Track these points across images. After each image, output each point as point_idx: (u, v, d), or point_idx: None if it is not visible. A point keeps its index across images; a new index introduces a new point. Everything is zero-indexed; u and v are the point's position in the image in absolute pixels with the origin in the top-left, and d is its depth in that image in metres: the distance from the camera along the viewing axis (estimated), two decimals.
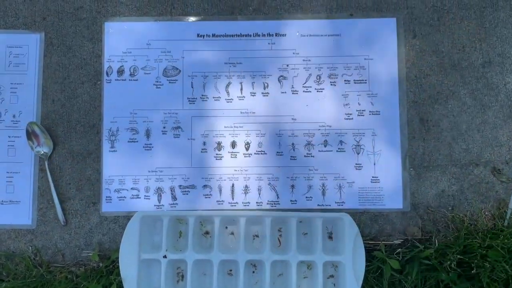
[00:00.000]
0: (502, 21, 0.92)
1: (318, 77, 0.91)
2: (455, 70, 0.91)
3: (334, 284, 0.87)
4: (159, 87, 0.92)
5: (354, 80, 0.91)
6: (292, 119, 0.91)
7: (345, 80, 0.91)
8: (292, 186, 0.90)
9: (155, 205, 0.90)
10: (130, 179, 0.90)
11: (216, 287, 0.84)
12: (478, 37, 0.92)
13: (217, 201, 0.90)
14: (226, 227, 0.89)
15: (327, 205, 0.90)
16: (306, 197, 0.90)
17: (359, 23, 0.92)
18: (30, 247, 0.89)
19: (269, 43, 0.92)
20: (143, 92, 0.91)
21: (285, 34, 0.92)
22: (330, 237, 0.89)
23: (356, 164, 0.90)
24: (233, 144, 0.91)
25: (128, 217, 0.89)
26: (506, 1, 0.92)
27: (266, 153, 0.90)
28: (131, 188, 0.90)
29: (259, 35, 0.92)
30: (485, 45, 0.92)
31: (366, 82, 0.91)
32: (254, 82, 0.91)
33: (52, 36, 0.92)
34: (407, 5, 0.92)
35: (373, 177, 0.90)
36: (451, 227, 0.89)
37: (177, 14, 0.93)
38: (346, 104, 0.91)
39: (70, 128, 0.91)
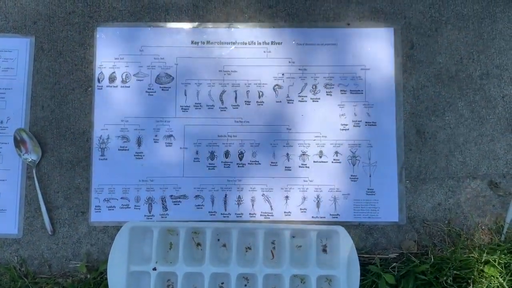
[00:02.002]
0: (500, 33, 0.91)
1: (314, 87, 0.90)
2: (452, 81, 0.90)
3: None
4: (152, 94, 0.90)
5: (350, 90, 0.90)
6: (287, 129, 0.89)
7: (341, 90, 0.90)
8: (286, 197, 0.88)
9: (145, 215, 0.88)
10: (120, 188, 0.88)
11: None
12: (476, 48, 0.91)
13: (209, 212, 0.88)
14: (218, 239, 0.87)
15: (321, 217, 0.88)
16: (300, 209, 0.88)
17: (356, 32, 0.90)
18: (16, 257, 0.87)
19: (264, 51, 0.90)
20: (135, 99, 0.89)
21: (281, 43, 0.90)
22: (325, 250, 0.87)
23: (351, 175, 0.88)
24: (227, 154, 0.89)
25: (117, 227, 0.86)
26: (504, 13, 0.91)
27: (260, 163, 0.89)
28: (121, 198, 0.87)
29: (254, 43, 0.90)
30: (483, 57, 0.90)
31: (362, 93, 0.90)
32: (248, 91, 0.90)
33: (43, 40, 0.90)
34: (405, 15, 0.91)
35: (368, 189, 0.88)
36: (447, 241, 0.87)
37: (171, 20, 0.91)
38: (342, 115, 0.89)
39: (60, 135, 0.89)
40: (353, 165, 0.89)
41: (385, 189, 0.88)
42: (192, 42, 0.91)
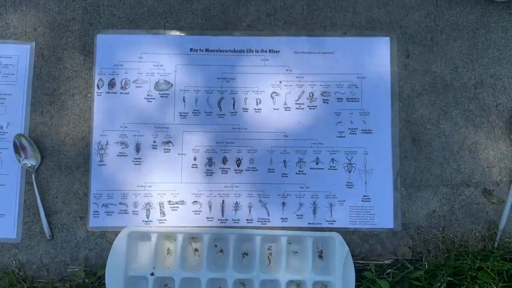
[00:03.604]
0: (494, 43, 0.92)
1: (310, 94, 0.91)
2: (447, 90, 0.92)
3: None
4: (151, 101, 0.91)
5: (346, 98, 0.91)
6: (284, 136, 0.90)
7: (337, 98, 0.91)
8: (283, 204, 0.89)
9: (143, 221, 0.88)
10: (119, 193, 0.88)
11: None
12: (470, 58, 0.92)
13: (206, 218, 0.89)
14: (215, 245, 0.88)
15: (318, 224, 0.89)
16: (297, 215, 0.89)
17: (352, 41, 0.92)
18: (14, 262, 0.87)
19: (262, 59, 0.91)
20: (134, 106, 0.90)
21: (279, 51, 0.92)
22: (320, 256, 0.88)
23: (347, 182, 0.89)
24: (224, 160, 0.90)
25: (115, 232, 0.87)
26: (498, 23, 0.93)
27: (257, 170, 0.90)
28: (119, 203, 0.88)
29: (252, 51, 0.92)
30: (478, 66, 0.92)
31: (358, 101, 0.91)
32: (246, 98, 0.91)
33: (43, 47, 0.91)
34: (401, 24, 0.92)
35: (364, 196, 0.89)
36: (441, 248, 0.88)
37: (170, 28, 0.92)
38: (339, 122, 0.91)
39: (59, 141, 0.90)
40: (349, 172, 0.90)
41: (381, 196, 0.89)
42: (191, 50, 0.92)
